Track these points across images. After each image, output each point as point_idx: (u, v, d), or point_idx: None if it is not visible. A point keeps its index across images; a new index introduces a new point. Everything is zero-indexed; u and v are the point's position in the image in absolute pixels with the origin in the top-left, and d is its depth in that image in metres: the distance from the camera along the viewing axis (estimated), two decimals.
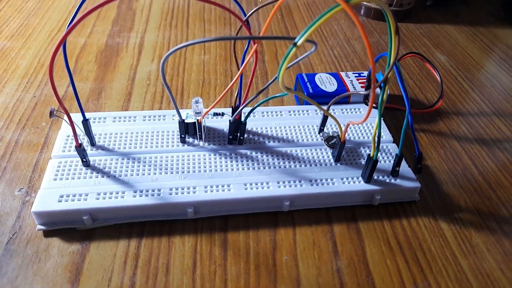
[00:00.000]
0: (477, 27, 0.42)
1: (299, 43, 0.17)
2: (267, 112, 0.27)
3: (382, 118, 0.21)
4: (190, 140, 0.24)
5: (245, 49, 0.22)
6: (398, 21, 0.38)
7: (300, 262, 0.20)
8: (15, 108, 0.27)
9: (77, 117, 0.22)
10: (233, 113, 0.24)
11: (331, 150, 0.24)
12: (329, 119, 0.25)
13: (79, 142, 0.21)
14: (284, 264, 0.20)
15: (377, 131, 0.20)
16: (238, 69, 0.23)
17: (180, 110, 0.23)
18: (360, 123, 0.21)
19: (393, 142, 0.25)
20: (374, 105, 0.26)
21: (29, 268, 0.19)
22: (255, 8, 0.21)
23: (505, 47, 0.39)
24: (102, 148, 0.23)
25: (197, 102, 0.22)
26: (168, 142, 0.24)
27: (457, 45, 0.39)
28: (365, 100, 0.28)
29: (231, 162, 0.23)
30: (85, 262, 0.19)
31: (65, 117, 0.20)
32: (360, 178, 0.23)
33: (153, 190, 0.21)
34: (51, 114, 0.21)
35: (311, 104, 0.27)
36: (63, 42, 0.17)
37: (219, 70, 0.33)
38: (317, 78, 0.29)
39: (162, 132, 0.25)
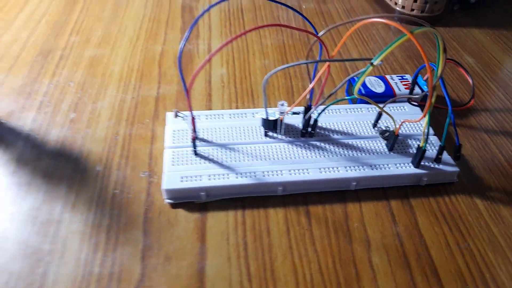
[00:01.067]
0: (500, 29, 0.47)
1: (375, 63, 0.23)
2: (329, 110, 0.32)
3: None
4: (270, 133, 0.30)
5: (315, 64, 0.28)
6: (434, 23, 0.43)
7: (368, 228, 0.26)
8: (120, 108, 0.33)
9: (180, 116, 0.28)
10: (306, 111, 0.30)
11: (385, 142, 0.30)
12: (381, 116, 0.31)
13: (194, 136, 0.27)
14: (355, 230, 0.26)
15: (426, 127, 0.26)
16: (310, 81, 0.28)
17: (257, 109, 0.29)
18: (416, 121, 0.27)
19: (434, 135, 0.31)
20: (416, 103, 0.31)
21: (167, 231, 0.25)
22: (330, 27, 0.27)
23: None
24: (203, 140, 0.29)
25: (282, 104, 0.28)
26: (253, 135, 0.30)
27: (483, 47, 0.44)
28: (408, 100, 0.34)
29: (306, 151, 0.29)
30: (206, 227, 0.25)
31: (180, 114, 0.26)
32: (410, 164, 0.28)
33: (249, 173, 0.27)
34: (176, 114, 0.27)
35: (364, 103, 0.33)
36: (207, 61, 0.23)
37: (279, 73, 0.38)
38: (367, 81, 0.35)
39: (247, 127, 0.31)
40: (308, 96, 0.30)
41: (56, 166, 0.28)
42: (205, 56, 0.40)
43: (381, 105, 0.28)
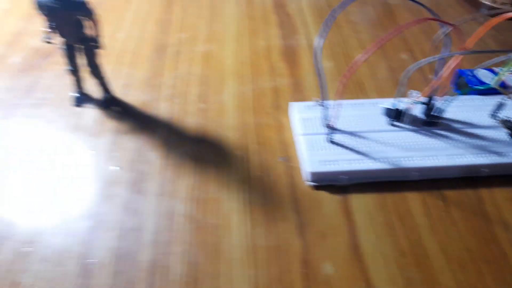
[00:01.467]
0: None
1: None
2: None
3: None
4: (396, 123, 0.32)
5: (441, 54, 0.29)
6: None
7: (505, 211, 0.27)
8: (243, 99, 0.36)
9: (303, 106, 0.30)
10: (429, 102, 0.31)
11: (508, 131, 0.31)
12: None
13: (331, 124, 0.29)
14: (491, 213, 0.27)
15: None
16: (435, 72, 0.30)
17: (373, 100, 0.31)
18: None
19: None
20: None
21: (316, 210, 0.27)
22: (467, 18, 0.28)
23: None
24: (333, 128, 0.31)
25: (413, 94, 0.30)
26: (377, 124, 0.32)
27: None
28: None
29: (433, 139, 0.31)
30: (351, 207, 0.27)
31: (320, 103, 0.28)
32: None
33: (384, 158, 0.29)
34: (316, 103, 0.29)
35: (475, 95, 0.34)
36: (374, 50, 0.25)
37: (392, 64, 0.40)
38: (478, 73, 0.36)
39: (371, 116, 0.32)
40: (433, 89, 0.31)
41: (199, 151, 0.31)
42: (309, 50, 0.42)
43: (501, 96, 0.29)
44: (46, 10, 0.28)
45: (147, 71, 0.39)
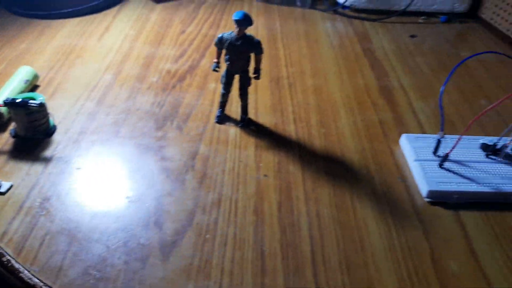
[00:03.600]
0: None
1: None
2: None
3: None
4: (491, 156, 0.38)
5: None
6: None
7: None
8: (356, 127, 0.43)
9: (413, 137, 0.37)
10: None
11: None
12: None
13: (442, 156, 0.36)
14: None
15: None
16: None
17: (475, 136, 0.37)
18: None
19: None
20: None
21: (435, 220, 0.33)
22: None
23: None
24: (440, 156, 0.38)
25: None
26: (478, 156, 0.38)
27: None
28: None
29: None
30: (464, 220, 0.34)
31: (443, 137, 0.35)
32: None
33: (486, 184, 0.35)
34: (439, 136, 0.36)
35: None
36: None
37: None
38: None
39: (472, 149, 0.39)
40: None
41: (330, 168, 0.38)
42: (401, 90, 0.49)
43: None
44: (227, 45, 0.36)
45: (271, 98, 0.46)
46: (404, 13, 0.67)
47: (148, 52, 0.53)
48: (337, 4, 0.68)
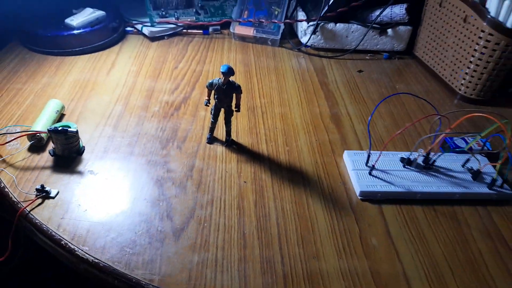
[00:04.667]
0: None
1: (482, 135, 0.46)
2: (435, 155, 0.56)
3: None
4: (407, 166, 0.53)
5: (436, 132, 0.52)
6: (480, 104, 0.68)
7: (468, 219, 0.48)
8: (312, 146, 0.57)
9: (352, 152, 0.52)
10: (427, 155, 0.53)
11: (471, 175, 0.53)
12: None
13: (370, 166, 0.51)
14: (461, 220, 0.48)
15: (499, 167, 0.49)
16: (432, 141, 0.52)
17: (394, 152, 0.52)
18: (496, 164, 0.50)
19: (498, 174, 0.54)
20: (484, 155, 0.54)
21: (364, 212, 0.48)
22: (449, 112, 0.51)
23: None
24: (369, 166, 0.53)
25: (420, 151, 0.52)
26: (396, 165, 0.53)
27: None
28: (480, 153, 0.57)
29: (427, 176, 0.52)
30: (384, 212, 0.48)
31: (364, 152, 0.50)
32: (487, 188, 0.51)
33: (401, 186, 0.50)
34: (365, 152, 0.51)
35: (452, 153, 0.57)
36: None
37: (406, 133, 0.62)
38: (456, 141, 0.58)
39: (392, 161, 0.54)
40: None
41: (292, 176, 0.52)
42: (346, 116, 0.64)
43: (469, 155, 0.52)
44: (216, 88, 0.50)
45: (247, 123, 0.60)
46: (355, 51, 0.83)
47: (148, 85, 0.66)
48: (301, 43, 0.84)
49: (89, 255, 0.40)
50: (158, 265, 0.40)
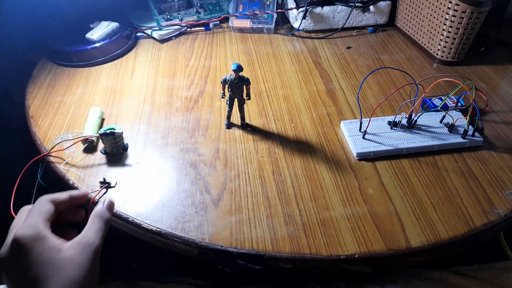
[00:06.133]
0: (499, 65, 0.82)
1: (450, 95, 0.57)
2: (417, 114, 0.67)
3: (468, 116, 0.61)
4: (394, 127, 0.64)
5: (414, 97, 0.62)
6: (456, 65, 0.78)
7: (446, 164, 0.60)
8: (314, 119, 0.68)
9: (348, 122, 0.63)
10: (410, 117, 0.64)
11: (447, 128, 0.64)
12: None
13: (363, 131, 0.62)
14: (440, 167, 0.60)
15: (468, 119, 0.60)
16: (412, 104, 0.63)
17: (384, 117, 0.63)
18: (465, 117, 0.61)
19: (469, 125, 0.65)
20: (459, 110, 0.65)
21: (361, 170, 0.59)
22: (423, 79, 0.61)
23: None
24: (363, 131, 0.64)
25: (403, 114, 0.63)
26: (387, 128, 0.64)
27: (489, 77, 0.78)
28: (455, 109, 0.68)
29: (411, 134, 0.63)
30: (377, 168, 0.59)
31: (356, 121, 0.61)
32: (461, 138, 0.62)
33: (389, 144, 0.61)
34: (357, 120, 0.62)
35: (432, 112, 0.68)
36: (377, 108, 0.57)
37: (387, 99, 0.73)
38: (434, 100, 0.69)
39: (382, 126, 0.65)
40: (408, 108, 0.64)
41: (299, 147, 0.63)
42: (340, 91, 0.75)
43: (444, 112, 0.63)
44: (229, 83, 0.60)
45: (257, 107, 0.71)
46: (342, 29, 0.93)
47: (167, 85, 0.77)
48: (294, 28, 0.93)
49: (152, 226, 0.52)
50: (206, 227, 0.52)
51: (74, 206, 0.47)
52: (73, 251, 0.39)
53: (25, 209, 0.43)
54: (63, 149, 0.62)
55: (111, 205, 0.48)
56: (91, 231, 0.42)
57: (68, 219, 0.47)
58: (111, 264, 0.47)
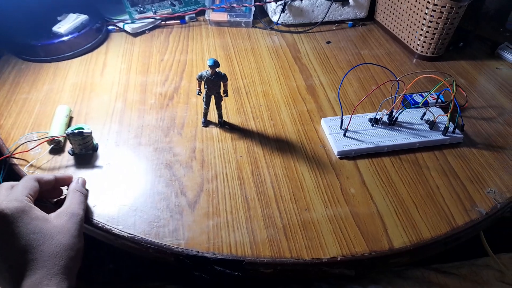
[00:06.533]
0: (477, 60, 0.81)
1: (432, 92, 0.56)
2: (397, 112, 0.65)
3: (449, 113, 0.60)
4: (375, 124, 0.63)
5: (395, 94, 0.61)
6: (436, 60, 0.77)
7: (427, 162, 0.59)
8: (293, 116, 0.66)
9: (328, 119, 0.61)
10: (391, 114, 0.63)
11: (428, 125, 0.63)
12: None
13: (344, 129, 0.60)
14: (421, 164, 0.59)
15: (449, 116, 0.59)
16: (393, 101, 0.62)
17: (364, 114, 0.62)
18: (446, 115, 0.60)
19: (450, 121, 0.64)
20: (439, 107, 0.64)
21: (342, 168, 0.58)
22: (405, 75, 0.60)
23: (491, 71, 0.78)
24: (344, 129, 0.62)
25: (384, 111, 0.61)
26: (367, 125, 0.63)
27: (468, 72, 0.78)
28: (435, 105, 0.67)
29: (392, 131, 0.62)
30: (358, 166, 0.58)
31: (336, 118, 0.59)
32: (441, 135, 0.61)
33: (370, 142, 0.60)
34: (338, 117, 0.60)
35: (412, 108, 0.66)
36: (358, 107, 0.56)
37: (368, 97, 0.71)
38: (414, 97, 0.68)
39: (363, 123, 0.63)
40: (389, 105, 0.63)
41: (279, 145, 0.61)
42: (320, 86, 0.73)
43: (424, 109, 0.62)
44: (205, 79, 0.58)
45: (235, 104, 0.68)
46: (322, 23, 0.91)
47: (141, 80, 0.73)
48: (272, 22, 0.91)
49: (124, 231, 0.49)
50: (181, 232, 0.49)
51: (56, 187, 0.50)
52: (61, 220, 0.43)
53: (4, 185, 0.45)
54: (28, 150, 0.58)
55: (84, 183, 0.52)
56: (74, 204, 0.46)
57: (45, 197, 0.50)
58: (85, 263, 0.44)
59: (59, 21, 0.79)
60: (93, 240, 0.51)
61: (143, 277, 0.66)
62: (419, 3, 0.76)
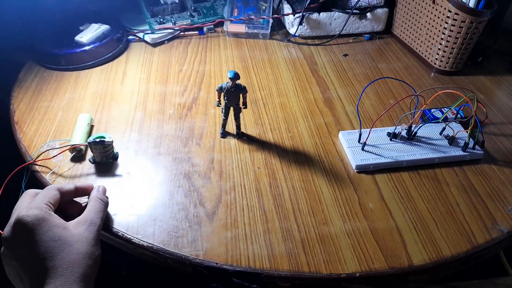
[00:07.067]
0: (496, 75, 0.81)
1: (452, 108, 0.56)
2: (417, 126, 0.65)
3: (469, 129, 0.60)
4: (393, 139, 0.63)
5: (414, 108, 0.61)
6: (454, 74, 0.77)
7: (447, 178, 0.58)
8: (311, 129, 0.66)
9: (346, 132, 0.61)
10: (409, 128, 0.62)
11: (447, 141, 0.62)
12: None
13: (362, 143, 0.60)
14: (441, 180, 0.58)
15: (469, 132, 0.59)
16: (412, 115, 0.61)
17: (384, 128, 0.62)
18: (466, 131, 0.60)
19: (470, 137, 0.64)
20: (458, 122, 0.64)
21: (360, 182, 0.57)
22: (425, 89, 0.60)
23: (511, 86, 0.78)
24: (362, 143, 0.62)
25: (403, 125, 0.61)
26: (386, 139, 0.63)
27: (487, 87, 0.77)
28: (454, 120, 0.67)
29: (411, 146, 0.62)
30: (377, 181, 0.58)
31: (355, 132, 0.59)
32: (461, 150, 0.61)
33: (389, 157, 0.60)
34: (357, 131, 0.60)
35: (432, 123, 0.66)
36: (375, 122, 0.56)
37: (391, 112, 0.71)
38: (434, 112, 0.67)
39: (381, 137, 0.63)
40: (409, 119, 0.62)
41: (297, 158, 0.61)
42: (337, 99, 0.73)
43: (444, 124, 0.61)
44: (225, 91, 0.58)
45: (252, 115, 0.69)
46: (339, 36, 0.91)
47: (160, 90, 0.74)
48: (290, 34, 0.91)
49: (143, 241, 0.49)
50: (200, 243, 0.49)
51: (77, 196, 0.51)
52: (80, 229, 0.43)
53: (29, 192, 0.46)
54: (50, 158, 0.59)
55: (104, 191, 0.52)
56: (93, 212, 0.46)
57: (66, 210, 0.50)
58: (99, 269, 0.44)
59: (81, 30, 0.81)
60: (108, 246, 0.52)
61: (154, 286, 0.66)
62: (438, 17, 0.76)
